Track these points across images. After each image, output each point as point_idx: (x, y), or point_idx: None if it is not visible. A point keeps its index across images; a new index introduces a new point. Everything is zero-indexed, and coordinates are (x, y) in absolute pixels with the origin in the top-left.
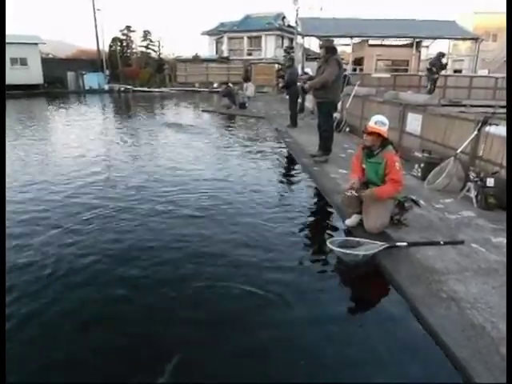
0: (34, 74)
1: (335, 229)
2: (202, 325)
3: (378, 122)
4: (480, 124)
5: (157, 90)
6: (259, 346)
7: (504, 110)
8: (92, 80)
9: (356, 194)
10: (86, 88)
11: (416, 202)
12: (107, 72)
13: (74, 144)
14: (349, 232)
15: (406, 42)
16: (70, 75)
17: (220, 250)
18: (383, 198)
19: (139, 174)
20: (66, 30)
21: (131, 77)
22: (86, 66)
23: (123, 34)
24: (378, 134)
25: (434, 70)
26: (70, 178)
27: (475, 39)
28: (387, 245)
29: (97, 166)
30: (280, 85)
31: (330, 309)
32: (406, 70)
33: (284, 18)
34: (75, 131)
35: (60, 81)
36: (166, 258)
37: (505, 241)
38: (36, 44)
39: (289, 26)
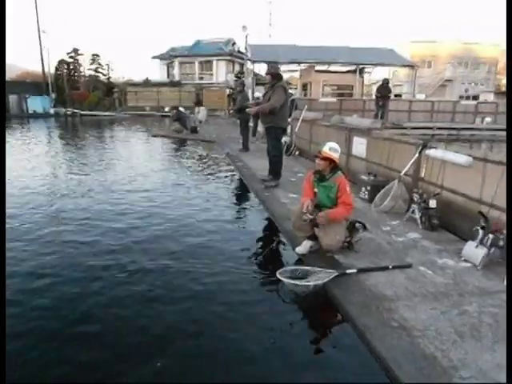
0: None
1: (285, 257)
2: None
3: (332, 149)
4: (420, 147)
5: (106, 113)
6: None
7: (442, 132)
8: (36, 103)
9: (311, 217)
10: (30, 112)
11: (364, 226)
12: (53, 95)
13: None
14: (299, 260)
15: (350, 68)
16: (12, 98)
17: (163, 284)
18: (337, 219)
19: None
20: (9, 50)
21: (79, 100)
22: (31, 89)
23: (70, 57)
24: (331, 160)
25: (379, 95)
26: None
27: (412, 66)
28: (337, 273)
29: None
30: (232, 109)
31: (280, 342)
32: (351, 95)
33: (234, 43)
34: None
35: None
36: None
37: (449, 262)
38: None
39: (239, 51)
